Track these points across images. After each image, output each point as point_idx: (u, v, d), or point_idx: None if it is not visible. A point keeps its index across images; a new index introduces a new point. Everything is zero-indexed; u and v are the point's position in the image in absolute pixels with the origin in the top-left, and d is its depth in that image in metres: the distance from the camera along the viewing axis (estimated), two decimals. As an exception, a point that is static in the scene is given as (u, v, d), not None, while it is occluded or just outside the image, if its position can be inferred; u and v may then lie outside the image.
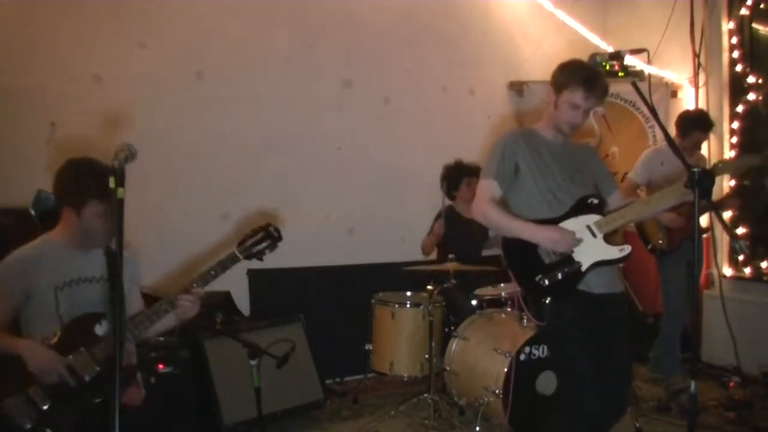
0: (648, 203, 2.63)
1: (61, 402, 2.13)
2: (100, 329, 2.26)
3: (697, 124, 4.06)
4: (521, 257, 2.60)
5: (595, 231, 2.56)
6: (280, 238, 2.39)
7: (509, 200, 2.68)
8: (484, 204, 2.63)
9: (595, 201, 2.62)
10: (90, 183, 2.24)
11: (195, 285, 2.28)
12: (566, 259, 2.53)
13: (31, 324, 2.25)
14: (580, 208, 2.59)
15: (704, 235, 4.24)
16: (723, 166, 2.99)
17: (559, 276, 2.51)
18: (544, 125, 2.73)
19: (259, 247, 2.34)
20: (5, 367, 2.13)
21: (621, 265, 2.69)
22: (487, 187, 2.64)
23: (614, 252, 2.56)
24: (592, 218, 2.58)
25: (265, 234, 2.36)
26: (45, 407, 2.11)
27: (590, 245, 2.55)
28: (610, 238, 2.59)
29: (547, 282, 2.52)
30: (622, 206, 2.66)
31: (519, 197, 2.66)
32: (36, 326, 2.24)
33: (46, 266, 2.26)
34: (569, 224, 2.56)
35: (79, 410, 2.15)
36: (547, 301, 2.58)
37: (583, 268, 2.53)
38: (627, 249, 2.57)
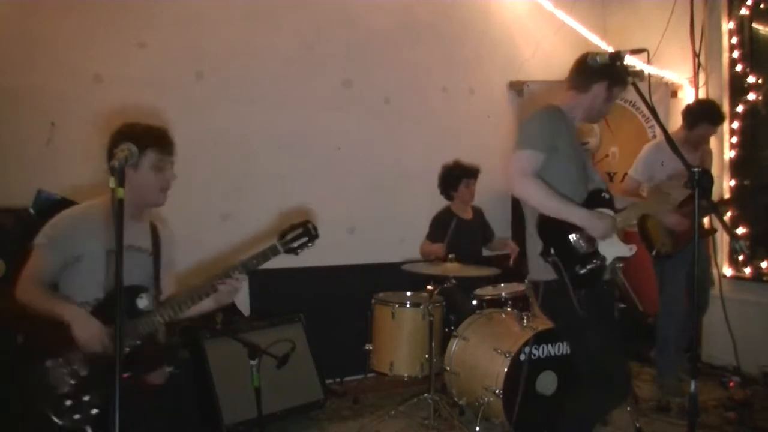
0: (652, 203, 2.64)
1: (99, 371, 2.12)
2: (141, 303, 2.27)
3: (704, 115, 3.93)
4: (559, 246, 2.50)
5: None
6: (317, 236, 2.40)
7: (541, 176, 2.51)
8: (527, 179, 2.44)
9: (607, 196, 2.63)
10: (146, 133, 2.28)
11: (236, 271, 2.29)
12: (594, 252, 2.53)
13: (71, 286, 2.24)
14: (594, 200, 2.60)
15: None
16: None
17: (589, 267, 2.51)
18: (574, 111, 2.66)
19: (298, 243, 2.36)
20: (48, 327, 2.11)
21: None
22: (530, 159, 2.46)
23: (626, 249, 2.60)
24: (608, 212, 2.58)
25: (304, 230, 2.38)
26: (84, 374, 2.11)
27: (608, 240, 2.56)
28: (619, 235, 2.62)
29: (583, 271, 2.50)
30: (629, 205, 2.70)
31: (550, 175, 2.50)
32: (75, 289, 2.23)
33: (100, 227, 2.24)
34: None
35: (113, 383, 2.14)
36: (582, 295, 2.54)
37: (607, 262, 2.55)
38: (635, 248, 2.61)
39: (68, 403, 2.08)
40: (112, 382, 2.04)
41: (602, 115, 2.73)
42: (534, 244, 2.60)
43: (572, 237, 2.48)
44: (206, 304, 2.35)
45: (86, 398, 2.10)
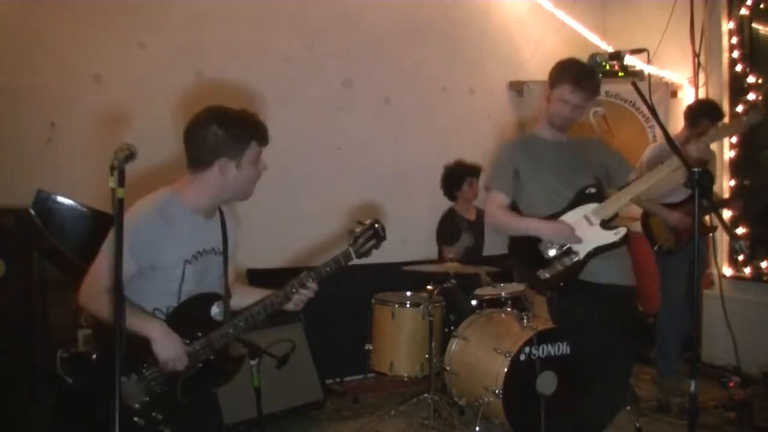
0: (644, 181, 2.65)
1: (173, 388, 2.04)
2: (214, 311, 2.15)
3: (705, 112, 4.01)
4: (524, 255, 2.71)
5: (592, 219, 2.63)
6: (384, 237, 2.29)
7: (519, 204, 2.83)
8: (494, 213, 2.79)
9: (593, 190, 2.68)
10: (249, 123, 2.12)
11: (310, 280, 2.21)
12: (565, 252, 2.62)
13: (141, 292, 2.04)
14: (580, 199, 2.67)
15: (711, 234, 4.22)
16: (721, 129, 2.97)
17: (559, 267, 2.60)
18: (543, 124, 2.84)
19: (368, 246, 2.26)
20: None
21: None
22: (494, 198, 2.81)
23: (609, 236, 2.62)
24: (590, 207, 2.66)
25: (373, 232, 2.27)
26: (159, 390, 2.01)
27: (587, 234, 2.62)
28: (607, 224, 2.64)
29: (547, 275, 2.61)
30: (617, 191, 2.72)
31: (523, 200, 2.81)
32: (146, 296, 2.05)
33: (179, 235, 2.07)
34: (569, 216, 2.66)
35: (185, 396, 2.07)
36: (552, 297, 2.71)
37: (581, 257, 2.60)
38: (622, 231, 2.63)
39: (138, 420, 1.97)
40: (188, 398, 2.04)
41: (560, 118, 2.73)
42: None
43: (540, 244, 2.66)
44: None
45: (158, 416, 1.99)
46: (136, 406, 1.98)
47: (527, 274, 2.73)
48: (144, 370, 2.01)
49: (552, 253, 2.63)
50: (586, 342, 2.65)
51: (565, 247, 2.62)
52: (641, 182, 2.64)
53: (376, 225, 2.28)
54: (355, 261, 2.25)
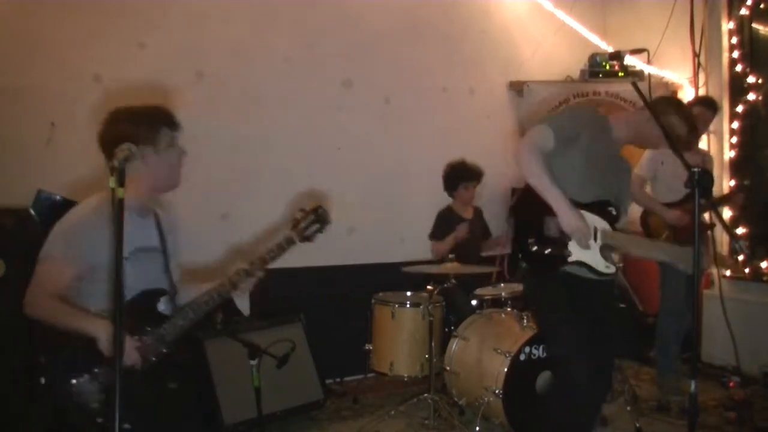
0: (652, 247, 2.74)
1: (128, 384, 1.99)
2: (161, 307, 2.21)
3: (698, 100, 4.11)
4: (527, 217, 2.63)
5: (598, 237, 2.60)
6: (328, 221, 2.39)
7: (552, 161, 2.55)
8: (529, 150, 2.50)
9: (614, 211, 2.66)
10: (152, 112, 2.21)
11: (255, 267, 2.28)
12: (561, 242, 2.57)
13: (85, 295, 2.08)
14: (599, 208, 2.63)
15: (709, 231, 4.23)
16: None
17: (547, 251, 2.58)
18: (619, 125, 2.74)
19: (312, 230, 2.36)
20: (69, 343, 2.01)
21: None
22: (541, 134, 2.52)
23: (600, 264, 2.60)
24: (602, 224, 2.62)
25: (315, 216, 2.37)
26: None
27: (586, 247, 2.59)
28: (604, 250, 2.62)
29: (535, 248, 2.59)
30: (631, 233, 2.70)
31: (561, 164, 2.56)
32: (90, 298, 2.09)
33: (112, 233, 2.10)
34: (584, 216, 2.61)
35: (144, 392, 2.07)
36: (525, 272, 2.71)
37: (569, 259, 2.59)
38: (611, 269, 2.62)
39: (100, 420, 1.99)
40: (142, 395, 2.03)
41: (641, 144, 2.77)
42: None
43: (548, 217, 2.53)
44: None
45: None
46: (95, 405, 2.00)
47: (520, 234, 2.64)
48: (95, 369, 2.02)
49: (550, 233, 2.57)
50: (562, 321, 2.63)
51: (563, 240, 2.58)
52: (648, 242, 2.74)
53: (319, 210, 2.37)
54: (300, 245, 2.35)
